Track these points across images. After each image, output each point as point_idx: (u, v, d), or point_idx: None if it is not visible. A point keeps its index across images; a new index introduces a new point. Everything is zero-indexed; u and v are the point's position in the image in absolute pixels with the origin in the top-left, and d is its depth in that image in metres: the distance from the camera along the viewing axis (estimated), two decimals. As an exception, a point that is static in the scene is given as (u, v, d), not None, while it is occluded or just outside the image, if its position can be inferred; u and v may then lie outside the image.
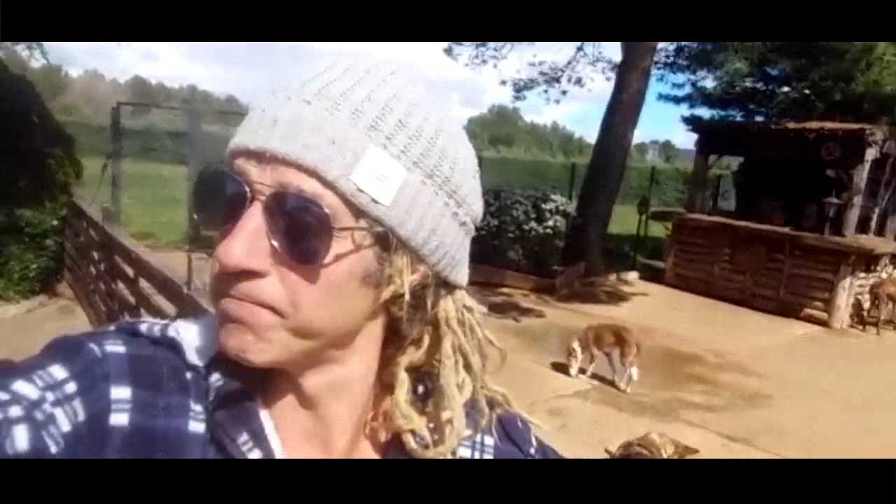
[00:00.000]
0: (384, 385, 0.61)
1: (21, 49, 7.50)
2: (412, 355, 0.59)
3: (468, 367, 0.59)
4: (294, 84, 0.50)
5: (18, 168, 7.31)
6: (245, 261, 0.47)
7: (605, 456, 4.20)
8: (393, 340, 0.59)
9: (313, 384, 0.55)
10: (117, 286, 5.61)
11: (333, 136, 0.48)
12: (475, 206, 0.58)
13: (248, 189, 0.48)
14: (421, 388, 0.62)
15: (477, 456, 0.65)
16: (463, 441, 0.62)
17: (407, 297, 0.53)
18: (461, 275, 0.58)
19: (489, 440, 0.66)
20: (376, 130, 0.49)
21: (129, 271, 5.05)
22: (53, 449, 0.44)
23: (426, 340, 0.59)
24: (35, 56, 7.59)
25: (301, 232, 0.48)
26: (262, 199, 0.48)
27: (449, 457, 0.59)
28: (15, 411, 0.43)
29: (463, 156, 0.55)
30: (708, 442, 5.00)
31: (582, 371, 6.31)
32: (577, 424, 5.26)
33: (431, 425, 0.59)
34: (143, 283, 4.66)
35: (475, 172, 0.57)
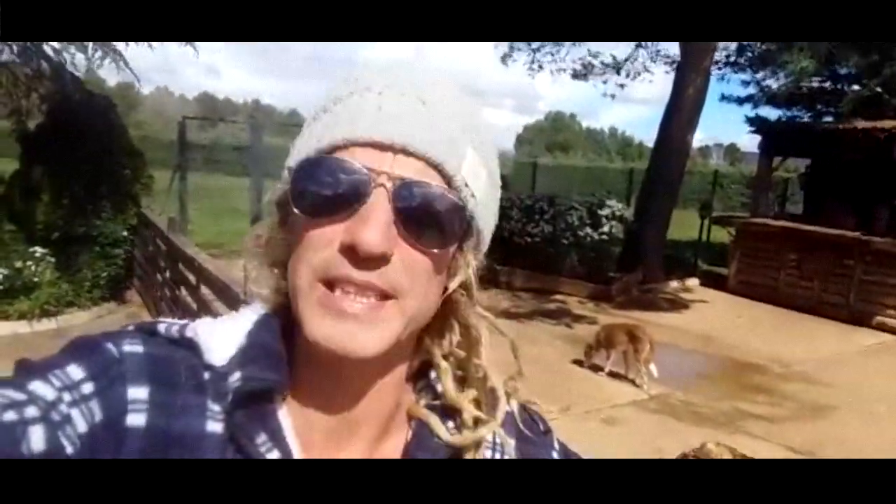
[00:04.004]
0: (410, 375, 0.63)
1: (100, 61, 7.89)
2: (444, 344, 0.62)
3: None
4: (399, 84, 0.53)
5: (95, 181, 7.70)
6: (383, 245, 0.49)
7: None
8: (427, 330, 0.61)
9: (360, 375, 0.56)
10: (181, 293, 5.84)
11: (450, 136, 0.53)
12: None
13: (371, 178, 0.50)
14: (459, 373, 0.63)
15: (498, 457, 0.64)
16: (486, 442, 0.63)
17: (474, 285, 0.58)
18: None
19: (510, 441, 0.65)
20: (470, 133, 0.55)
21: (192, 278, 5.25)
22: (69, 449, 0.44)
23: (457, 328, 0.61)
24: (120, 66, 7.95)
25: (433, 220, 0.51)
26: (389, 188, 0.50)
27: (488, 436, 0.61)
28: (31, 412, 0.44)
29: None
30: (771, 454, 4.81)
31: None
32: (633, 434, 5.16)
33: (473, 409, 0.61)
34: (205, 290, 4.85)
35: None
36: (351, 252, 0.49)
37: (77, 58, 7.91)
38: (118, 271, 8.06)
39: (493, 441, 0.65)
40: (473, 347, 0.61)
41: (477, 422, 0.60)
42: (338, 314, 0.50)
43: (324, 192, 0.51)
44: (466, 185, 0.53)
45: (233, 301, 3.76)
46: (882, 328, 9.13)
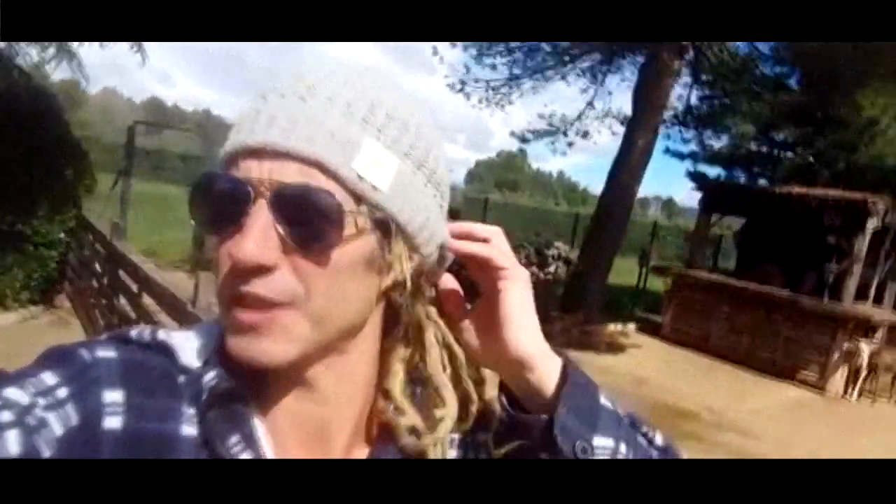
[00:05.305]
0: (379, 379, 0.61)
1: (51, 60, 7.63)
2: (404, 349, 0.60)
3: (453, 356, 0.61)
4: (283, 85, 0.53)
5: (32, 178, 7.37)
6: (258, 255, 0.48)
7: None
8: (389, 332, 0.60)
9: (321, 377, 0.56)
10: (119, 301, 5.62)
11: (331, 129, 0.50)
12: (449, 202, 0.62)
13: (250, 188, 0.49)
14: (414, 381, 0.62)
15: (470, 457, 0.65)
16: (452, 439, 0.63)
17: (408, 283, 0.56)
18: (443, 271, 0.62)
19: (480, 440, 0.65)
20: (369, 123, 0.52)
21: (133, 286, 5.07)
22: (46, 454, 0.44)
23: (409, 334, 0.60)
24: (73, 67, 7.70)
25: (311, 221, 0.49)
26: (267, 194, 0.49)
27: (439, 449, 0.59)
28: (6, 417, 0.44)
29: (442, 150, 0.59)
30: None
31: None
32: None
33: (423, 414, 0.59)
34: (146, 300, 4.68)
35: (449, 167, 0.61)
36: (237, 266, 0.49)
37: (24, 52, 7.63)
38: (51, 274, 7.68)
39: (462, 439, 0.64)
40: (421, 353, 0.60)
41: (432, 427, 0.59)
42: (237, 328, 0.50)
43: (212, 210, 0.51)
44: (361, 178, 0.51)
45: (181, 313, 3.64)
46: (804, 383, 9.53)
